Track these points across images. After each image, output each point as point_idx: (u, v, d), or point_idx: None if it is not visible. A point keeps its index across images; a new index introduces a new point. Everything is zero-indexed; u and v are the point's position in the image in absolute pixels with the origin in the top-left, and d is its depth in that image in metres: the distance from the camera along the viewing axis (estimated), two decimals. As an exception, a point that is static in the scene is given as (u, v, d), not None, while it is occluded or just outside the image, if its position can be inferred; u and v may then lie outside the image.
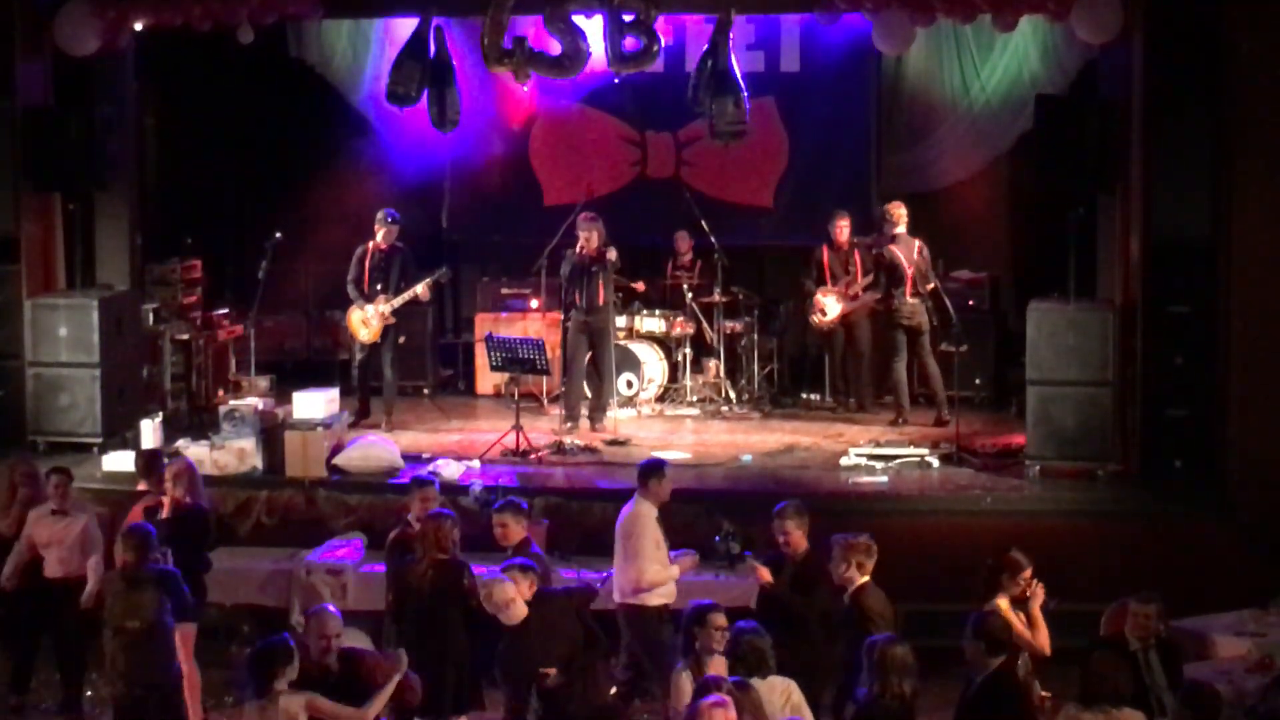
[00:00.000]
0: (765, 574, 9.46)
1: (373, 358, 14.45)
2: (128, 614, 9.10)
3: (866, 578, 8.93)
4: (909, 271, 14.15)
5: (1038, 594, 8.81)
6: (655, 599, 9.79)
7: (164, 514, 10.16)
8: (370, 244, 14.32)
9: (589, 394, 14.41)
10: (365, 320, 14.23)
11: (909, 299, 14.20)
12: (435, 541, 9.38)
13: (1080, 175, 12.42)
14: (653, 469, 9.96)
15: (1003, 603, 8.79)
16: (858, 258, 14.65)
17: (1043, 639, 8.79)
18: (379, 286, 14.21)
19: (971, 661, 7.72)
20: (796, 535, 9.39)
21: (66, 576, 10.47)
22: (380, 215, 14.34)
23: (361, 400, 14.54)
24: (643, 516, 9.76)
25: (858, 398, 14.97)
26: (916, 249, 14.19)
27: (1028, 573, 8.87)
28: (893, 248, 14.22)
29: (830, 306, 14.72)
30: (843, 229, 14.68)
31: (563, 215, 15.14)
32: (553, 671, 8.27)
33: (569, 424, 14.02)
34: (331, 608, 8.42)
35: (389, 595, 9.84)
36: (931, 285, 14.18)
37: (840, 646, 8.96)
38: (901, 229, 14.27)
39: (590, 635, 8.69)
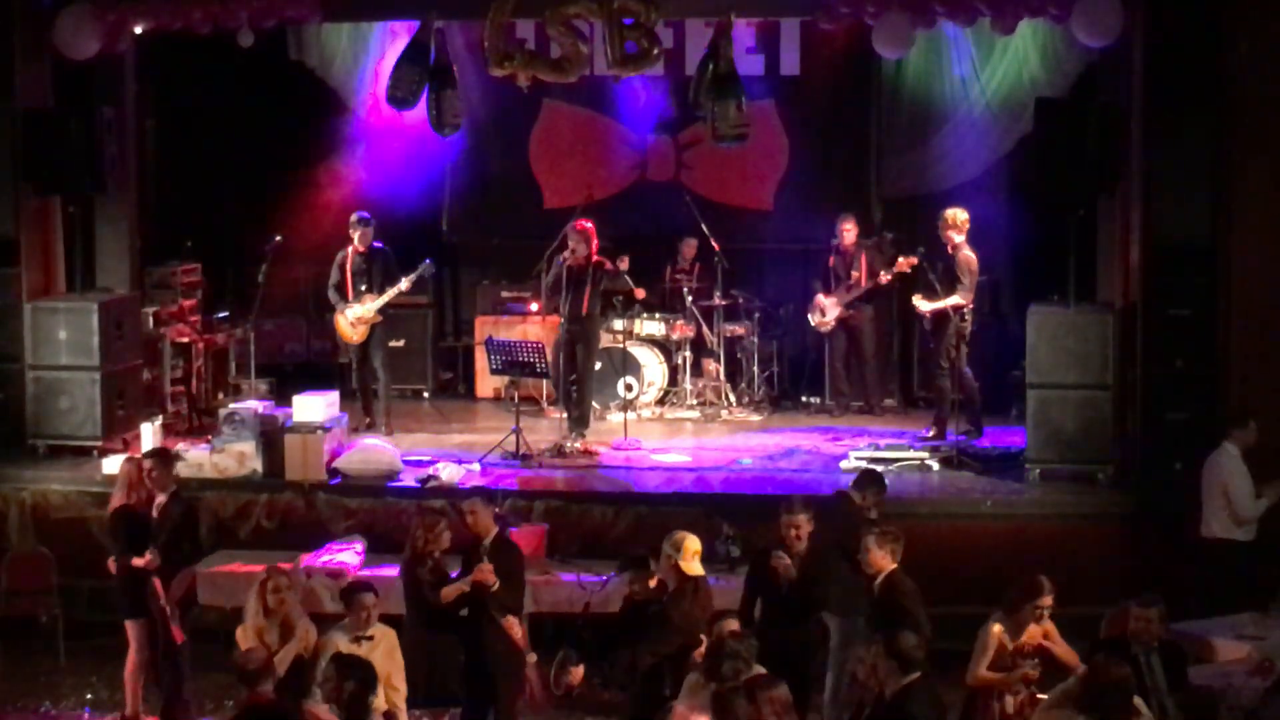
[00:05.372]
0: (786, 565, 9.37)
1: (366, 360, 14.42)
2: None
3: (896, 564, 8.93)
4: (976, 278, 13.81)
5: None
6: (1243, 535, 10.77)
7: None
8: (349, 249, 14.28)
9: (594, 402, 14.36)
10: (350, 323, 14.21)
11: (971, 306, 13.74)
12: (434, 541, 9.57)
13: (1080, 178, 12.37)
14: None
15: (996, 627, 8.70)
16: (864, 261, 14.60)
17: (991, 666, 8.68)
18: (363, 288, 14.17)
19: (884, 678, 7.52)
20: (809, 527, 9.36)
21: None
22: (353, 219, 14.30)
23: (364, 404, 14.51)
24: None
25: (865, 400, 14.95)
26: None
27: (1046, 600, 8.74)
28: (968, 253, 13.64)
29: (829, 308, 14.70)
30: (846, 232, 14.65)
31: (563, 218, 15.11)
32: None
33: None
34: None
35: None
36: None
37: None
38: (963, 236, 13.71)
39: None
